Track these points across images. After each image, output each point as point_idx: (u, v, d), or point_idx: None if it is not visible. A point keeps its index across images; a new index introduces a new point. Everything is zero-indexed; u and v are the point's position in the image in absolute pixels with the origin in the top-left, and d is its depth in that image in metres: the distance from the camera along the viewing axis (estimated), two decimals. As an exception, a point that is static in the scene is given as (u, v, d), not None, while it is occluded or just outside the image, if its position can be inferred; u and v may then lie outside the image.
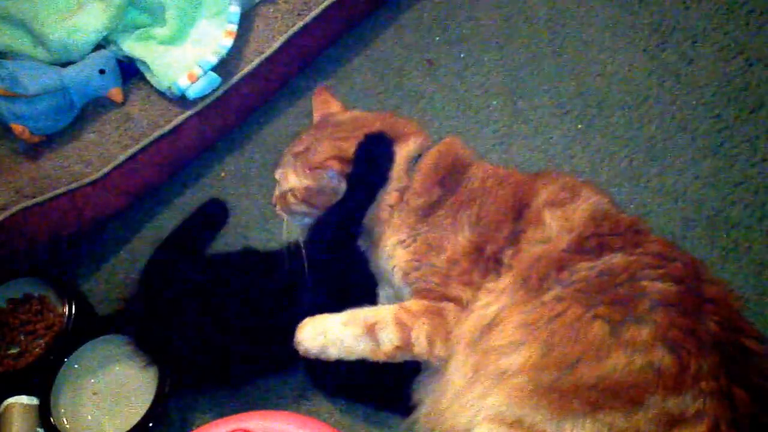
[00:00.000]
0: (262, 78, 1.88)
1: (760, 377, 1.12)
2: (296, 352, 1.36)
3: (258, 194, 1.86)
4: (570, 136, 1.86)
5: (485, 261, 1.34)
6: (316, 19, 1.90)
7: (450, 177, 1.46)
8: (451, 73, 2.01)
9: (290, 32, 1.88)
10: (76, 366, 1.59)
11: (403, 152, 1.50)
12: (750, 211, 1.68)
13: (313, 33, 1.92)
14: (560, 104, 1.91)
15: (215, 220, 1.69)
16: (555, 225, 1.32)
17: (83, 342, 1.60)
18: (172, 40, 1.82)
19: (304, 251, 1.47)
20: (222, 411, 1.54)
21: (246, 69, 1.84)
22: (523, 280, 1.28)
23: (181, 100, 1.79)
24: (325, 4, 1.90)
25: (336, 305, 1.38)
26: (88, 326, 1.63)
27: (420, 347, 1.33)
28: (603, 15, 2.02)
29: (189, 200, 1.88)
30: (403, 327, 1.33)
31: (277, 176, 1.58)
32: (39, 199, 1.67)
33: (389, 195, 1.47)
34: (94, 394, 1.59)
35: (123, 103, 1.80)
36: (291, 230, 1.55)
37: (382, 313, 1.36)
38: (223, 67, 1.80)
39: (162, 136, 1.78)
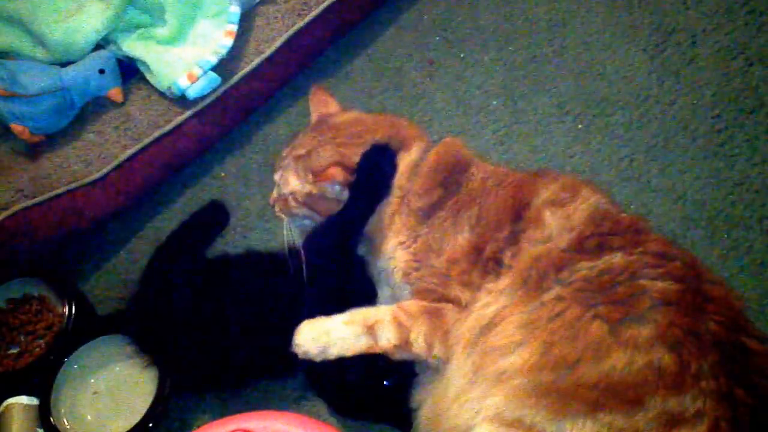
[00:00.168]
0: (262, 78, 1.88)
1: (761, 377, 1.12)
2: (296, 355, 1.36)
3: (258, 194, 1.86)
4: (570, 136, 1.86)
5: (485, 261, 1.35)
6: (316, 19, 1.90)
7: (451, 178, 1.46)
8: (451, 73, 2.01)
9: (290, 32, 1.88)
10: (76, 366, 1.59)
11: (406, 161, 1.50)
12: (750, 211, 1.68)
13: (313, 33, 1.92)
14: (560, 104, 1.91)
15: (216, 223, 1.68)
16: (555, 224, 1.32)
17: (83, 342, 1.60)
18: (172, 40, 1.82)
19: (302, 255, 1.47)
20: (222, 411, 1.54)
21: (246, 69, 1.84)
22: (522, 279, 1.28)
23: (181, 100, 1.79)
24: (325, 4, 1.90)
25: (334, 308, 1.38)
26: (88, 326, 1.63)
27: (418, 347, 1.33)
28: (603, 15, 2.02)
29: (189, 200, 1.87)
30: (401, 327, 1.34)
31: (276, 179, 1.57)
32: (39, 199, 1.67)
33: (391, 203, 1.47)
34: (94, 394, 1.59)
35: (123, 103, 1.80)
36: (291, 232, 1.54)
37: (381, 313, 1.37)
38: (223, 67, 1.81)
39: (162, 136, 1.78)
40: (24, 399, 1.53)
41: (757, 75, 1.86)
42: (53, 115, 1.73)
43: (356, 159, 1.47)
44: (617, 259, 1.23)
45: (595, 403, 1.10)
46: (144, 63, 1.80)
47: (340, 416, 1.49)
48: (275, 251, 1.59)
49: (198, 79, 1.76)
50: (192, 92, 1.76)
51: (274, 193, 1.58)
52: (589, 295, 1.20)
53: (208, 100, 1.81)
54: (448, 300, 1.35)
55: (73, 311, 1.61)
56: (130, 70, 1.84)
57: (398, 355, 1.35)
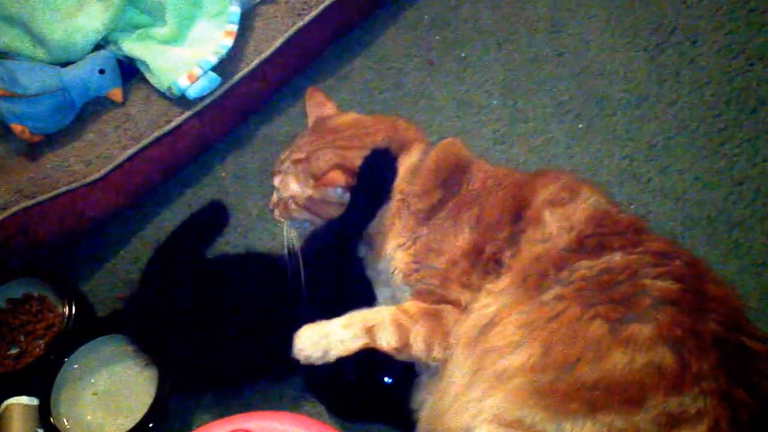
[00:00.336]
0: (262, 78, 1.88)
1: (761, 377, 1.11)
2: (297, 360, 1.36)
3: (258, 194, 1.86)
4: (570, 136, 1.85)
5: (484, 262, 1.35)
6: (316, 19, 1.90)
7: (451, 179, 1.46)
8: (451, 73, 2.01)
9: (290, 32, 1.88)
10: (76, 366, 1.59)
11: (406, 163, 1.50)
12: (751, 211, 1.68)
13: (313, 33, 1.92)
14: (560, 104, 1.90)
15: (216, 223, 1.68)
16: (555, 224, 1.32)
17: (83, 342, 1.59)
18: (171, 40, 1.82)
19: (300, 258, 1.47)
20: (222, 411, 1.54)
21: (246, 69, 1.84)
22: (522, 279, 1.28)
23: (181, 100, 1.79)
24: (325, 4, 1.90)
25: (333, 311, 1.38)
26: (88, 326, 1.63)
27: (418, 349, 1.33)
28: (603, 15, 2.02)
29: (189, 200, 1.87)
30: (401, 329, 1.34)
31: (276, 183, 1.57)
32: (39, 199, 1.67)
33: (391, 205, 1.47)
34: (94, 394, 1.59)
35: (123, 103, 1.80)
36: (290, 235, 1.54)
37: (380, 315, 1.37)
38: (223, 67, 1.80)
39: (162, 136, 1.78)
40: (24, 399, 1.53)
41: (757, 75, 1.86)
42: (53, 115, 1.73)
43: (357, 162, 1.47)
44: (617, 258, 1.23)
45: (595, 404, 1.10)
46: (144, 63, 1.80)
47: (340, 418, 1.49)
48: (275, 251, 1.60)
49: (198, 79, 1.76)
50: (192, 92, 1.76)
51: (274, 197, 1.58)
52: (589, 295, 1.20)
53: (208, 100, 1.80)
54: (448, 302, 1.35)
55: (73, 311, 1.61)
56: (130, 71, 1.84)
57: (398, 357, 1.35)
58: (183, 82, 1.74)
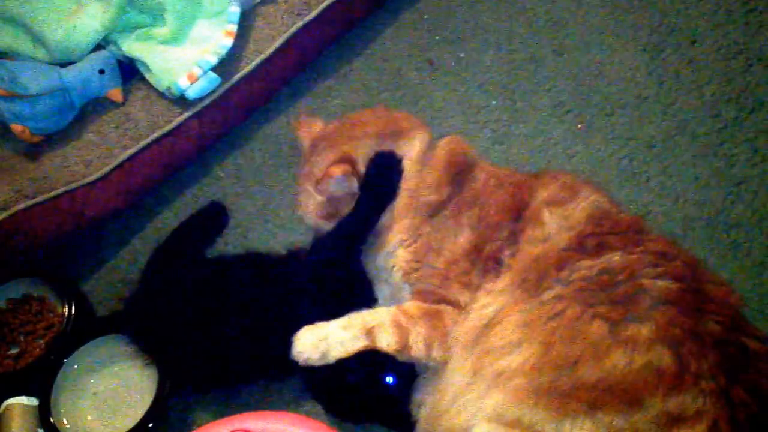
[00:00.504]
0: (261, 78, 1.88)
1: (761, 377, 1.12)
2: (295, 361, 1.36)
3: (258, 194, 1.86)
4: (569, 136, 1.85)
5: (484, 261, 1.35)
6: (316, 19, 1.90)
7: (459, 176, 1.47)
8: (451, 73, 2.01)
9: (290, 32, 1.88)
10: (75, 366, 1.59)
11: (412, 153, 1.50)
12: (750, 211, 1.68)
13: (313, 33, 1.92)
14: (560, 104, 1.91)
15: (215, 224, 1.68)
16: (554, 224, 1.32)
17: (83, 342, 1.59)
18: (171, 41, 1.82)
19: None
20: (222, 411, 1.54)
21: (246, 69, 1.84)
22: (521, 279, 1.28)
23: (181, 101, 1.79)
24: (325, 4, 1.90)
25: (334, 311, 1.39)
26: (88, 327, 1.63)
27: (417, 350, 1.34)
28: (603, 15, 2.02)
29: (189, 200, 1.87)
30: (401, 330, 1.34)
31: (300, 213, 1.59)
32: (39, 199, 1.67)
33: (401, 197, 1.47)
34: (94, 394, 1.59)
35: (123, 104, 1.80)
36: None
37: (380, 316, 1.37)
38: (222, 67, 1.80)
39: (162, 137, 1.78)
40: (24, 399, 1.53)
41: (757, 75, 1.86)
42: (53, 116, 1.73)
43: (356, 151, 1.47)
44: (617, 258, 1.23)
45: (594, 403, 1.10)
46: (144, 63, 1.80)
47: (340, 420, 1.49)
48: (275, 252, 1.60)
49: (198, 79, 1.76)
50: (192, 92, 1.76)
51: (310, 223, 1.59)
52: (588, 295, 1.20)
53: (207, 101, 1.80)
54: (448, 302, 1.36)
55: (73, 312, 1.61)
56: (130, 71, 1.84)
57: (399, 358, 1.36)
58: (183, 83, 1.74)
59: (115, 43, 1.82)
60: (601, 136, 1.84)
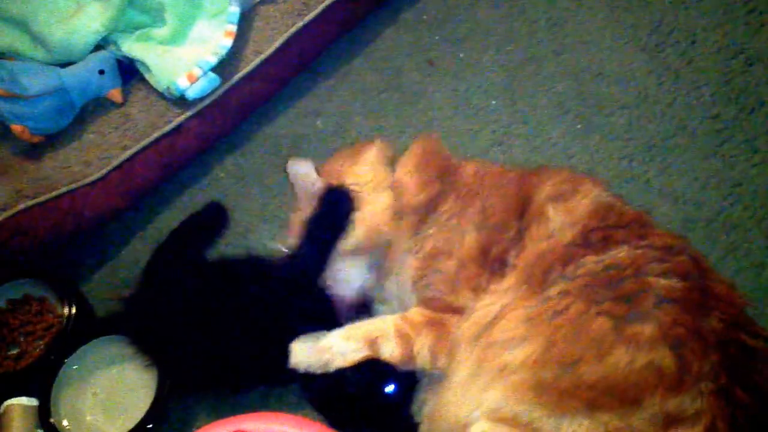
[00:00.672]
0: (261, 78, 1.88)
1: (762, 376, 1.11)
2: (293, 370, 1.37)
3: (257, 195, 1.86)
4: (569, 136, 1.85)
5: (491, 263, 1.34)
6: (315, 19, 1.90)
7: (445, 171, 1.46)
8: (451, 73, 2.01)
9: (290, 32, 1.88)
10: (75, 367, 1.59)
11: (367, 155, 1.52)
12: (750, 212, 1.68)
13: (312, 33, 1.92)
14: (559, 104, 1.90)
15: (215, 225, 1.68)
16: (558, 220, 1.31)
17: (83, 343, 1.60)
18: (171, 41, 1.82)
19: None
20: (221, 412, 1.53)
21: (245, 69, 1.84)
22: (526, 276, 1.28)
23: (181, 101, 1.79)
24: (325, 4, 1.90)
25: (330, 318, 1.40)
26: (88, 327, 1.63)
27: (422, 360, 1.33)
28: (603, 15, 2.02)
29: (189, 201, 1.87)
30: (405, 339, 1.33)
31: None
32: (39, 199, 1.67)
33: (385, 197, 1.48)
34: (94, 395, 1.59)
35: (122, 104, 1.80)
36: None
37: (383, 325, 1.36)
38: (222, 67, 1.80)
39: (161, 137, 1.78)
40: (24, 400, 1.53)
41: (756, 75, 1.85)
42: (53, 116, 1.73)
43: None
44: (623, 253, 1.23)
45: (594, 402, 1.10)
46: (143, 63, 1.80)
47: (341, 428, 1.49)
48: (275, 252, 1.60)
49: (198, 79, 1.76)
50: (191, 93, 1.76)
51: None
52: (593, 291, 1.19)
53: (207, 101, 1.80)
54: (454, 309, 1.35)
55: (73, 312, 1.61)
56: (129, 71, 1.84)
57: (402, 367, 1.35)
58: (182, 83, 1.75)
59: (115, 44, 1.82)
60: (601, 136, 1.84)
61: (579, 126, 1.87)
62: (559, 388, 1.13)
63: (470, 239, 1.37)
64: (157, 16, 1.83)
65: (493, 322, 1.27)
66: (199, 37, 1.84)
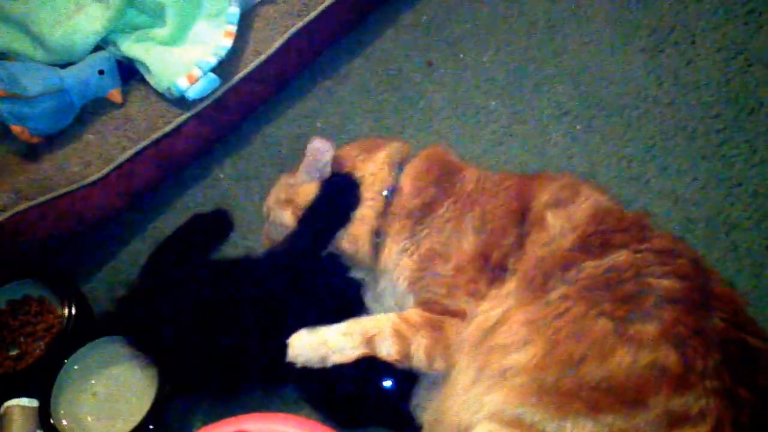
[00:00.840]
0: (261, 79, 1.88)
1: (764, 376, 1.12)
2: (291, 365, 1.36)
3: (257, 195, 1.86)
4: (569, 137, 1.85)
5: (491, 270, 1.34)
6: (315, 19, 1.90)
7: (444, 177, 1.47)
8: (449, 74, 2.01)
9: (289, 33, 1.88)
10: (76, 368, 1.59)
11: (381, 155, 1.52)
12: (749, 212, 1.68)
13: (312, 34, 1.92)
14: (559, 105, 1.90)
15: (219, 231, 1.68)
16: (558, 225, 1.31)
17: (83, 344, 1.59)
18: (171, 41, 1.82)
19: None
20: (222, 413, 1.53)
21: (245, 70, 1.84)
22: (527, 281, 1.28)
23: (181, 101, 1.79)
24: (325, 4, 1.90)
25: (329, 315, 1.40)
26: (88, 328, 1.63)
27: (418, 361, 1.34)
28: (602, 15, 2.02)
29: (188, 201, 1.87)
30: (402, 339, 1.34)
31: None
32: (39, 200, 1.67)
33: (374, 201, 1.48)
34: (94, 395, 1.59)
35: (122, 104, 1.80)
36: None
37: (381, 324, 1.37)
38: (222, 68, 1.80)
39: (161, 137, 1.78)
40: (24, 401, 1.53)
41: (756, 75, 1.86)
42: (53, 117, 1.73)
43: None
44: (623, 257, 1.23)
45: (597, 404, 1.10)
46: (143, 64, 1.80)
47: (341, 427, 1.48)
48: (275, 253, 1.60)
49: (197, 80, 1.76)
50: (191, 93, 1.76)
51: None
52: (594, 294, 1.20)
53: (207, 101, 1.80)
54: (452, 313, 1.35)
55: (73, 313, 1.61)
56: (129, 71, 1.84)
57: (399, 366, 1.35)
58: (182, 83, 1.74)
59: (115, 44, 1.82)
60: (601, 137, 1.84)
61: (579, 126, 1.87)
62: (562, 390, 1.13)
63: (468, 243, 1.38)
64: (156, 17, 1.83)
65: (495, 327, 1.27)
66: (199, 38, 1.84)
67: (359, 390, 1.41)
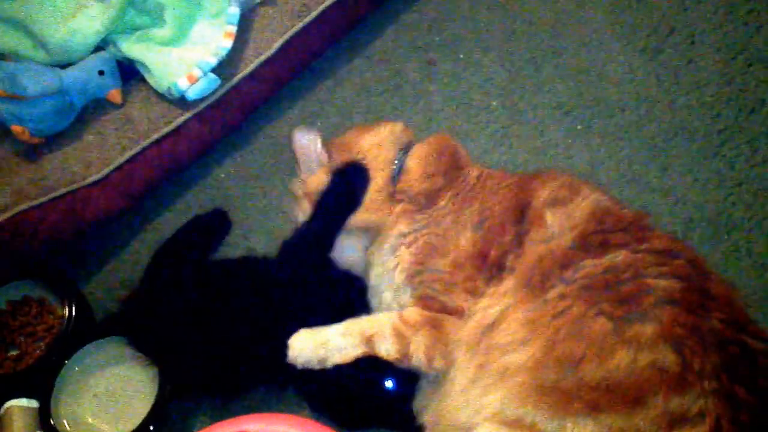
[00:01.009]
0: (261, 79, 1.88)
1: (763, 376, 1.12)
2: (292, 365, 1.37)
3: (258, 195, 1.86)
4: (569, 137, 1.86)
5: (489, 267, 1.34)
6: (315, 20, 1.90)
7: (451, 168, 1.47)
8: (451, 73, 2.01)
9: (290, 33, 1.88)
10: (76, 368, 1.59)
11: (385, 129, 1.54)
12: (751, 212, 1.68)
13: (312, 34, 1.92)
14: (560, 105, 1.91)
15: (217, 230, 1.68)
16: (557, 224, 1.32)
17: (83, 344, 1.60)
18: (171, 42, 1.82)
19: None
20: (223, 413, 1.53)
21: (245, 70, 1.84)
22: (526, 279, 1.28)
23: (181, 102, 1.78)
24: (325, 5, 1.90)
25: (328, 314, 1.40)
26: (88, 328, 1.63)
27: (418, 360, 1.34)
28: (602, 15, 2.02)
29: (189, 202, 1.87)
30: (401, 339, 1.34)
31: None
32: (39, 200, 1.67)
33: (378, 178, 1.49)
34: (95, 396, 1.59)
35: (122, 105, 1.80)
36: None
37: (380, 323, 1.37)
38: (222, 68, 1.80)
39: (161, 138, 1.78)
40: (24, 401, 1.53)
41: (756, 75, 1.86)
42: (53, 117, 1.73)
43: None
44: (621, 257, 1.23)
45: (597, 404, 1.10)
46: (143, 64, 1.80)
47: (343, 428, 1.49)
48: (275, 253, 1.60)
49: (198, 80, 1.75)
50: (192, 94, 1.76)
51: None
52: (593, 293, 1.20)
53: (207, 102, 1.80)
54: (450, 310, 1.35)
55: (73, 313, 1.61)
56: (129, 72, 1.84)
57: (399, 365, 1.35)
58: (182, 84, 1.74)
59: (115, 44, 1.82)
60: (601, 137, 1.84)
61: (579, 127, 1.87)
62: (561, 390, 1.13)
63: (466, 240, 1.38)
64: (157, 17, 1.83)
65: (493, 326, 1.27)
66: (199, 38, 1.83)
67: (360, 390, 1.41)
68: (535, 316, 1.22)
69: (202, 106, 1.80)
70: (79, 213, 1.73)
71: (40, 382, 1.56)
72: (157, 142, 1.77)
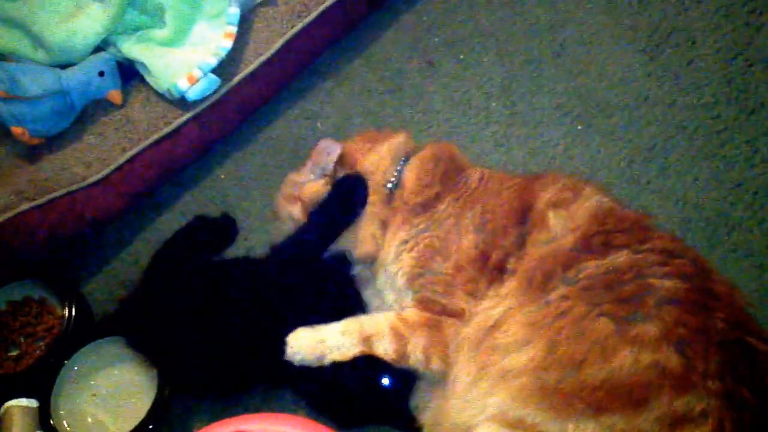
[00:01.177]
0: (261, 80, 1.88)
1: (766, 377, 1.12)
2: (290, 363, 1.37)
3: (258, 196, 1.86)
4: (569, 138, 1.85)
5: (490, 270, 1.34)
6: (315, 20, 1.90)
7: (449, 174, 1.47)
8: (451, 73, 2.01)
9: (290, 34, 1.88)
10: (76, 368, 1.59)
11: (384, 147, 1.52)
12: (750, 212, 1.68)
13: (312, 34, 1.92)
14: (560, 105, 1.90)
15: (223, 236, 1.68)
16: (559, 225, 1.32)
17: (83, 344, 1.60)
18: (171, 42, 1.82)
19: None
20: (222, 413, 1.53)
21: (245, 71, 1.84)
22: (527, 281, 1.28)
23: (181, 102, 1.79)
24: (325, 5, 1.90)
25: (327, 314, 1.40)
26: (88, 329, 1.63)
27: (415, 360, 1.34)
28: (602, 16, 2.02)
29: (189, 202, 1.87)
30: (399, 338, 1.34)
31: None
32: (39, 201, 1.67)
33: (374, 193, 1.48)
34: (94, 396, 1.59)
35: (122, 105, 1.80)
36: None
37: (379, 323, 1.37)
38: (222, 68, 1.80)
39: (161, 138, 1.78)
40: (24, 401, 1.53)
41: (756, 75, 1.85)
42: (53, 118, 1.73)
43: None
44: (623, 257, 1.23)
45: (599, 405, 1.10)
46: (143, 65, 1.80)
47: (341, 427, 1.49)
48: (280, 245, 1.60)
49: (198, 81, 1.76)
50: (192, 94, 1.76)
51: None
52: (595, 294, 1.20)
53: (207, 102, 1.80)
54: (450, 312, 1.35)
55: (73, 313, 1.61)
56: (129, 72, 1.84)
57: (396, 365, 1.36)
58: (183, 84, 1.74)
59: (115, 45, 1.82)
60: (601, 137, 1.84)
61: (579, 127, 1.86)
62: (564, 390, 1.13)
63: (468, 242, 1.38)
64: (157, 18, 1.83)
65: (495, 327, 1.27)
66: (200, 39, 1.84)
67: (358, 390, 1.41)
68: (537, 317, 1.22)
69: (202, 106, 1.80)
70: (79, 213, 1.73)
71: (40, 382, 1.56)
72: (157, 142, 1.78)
